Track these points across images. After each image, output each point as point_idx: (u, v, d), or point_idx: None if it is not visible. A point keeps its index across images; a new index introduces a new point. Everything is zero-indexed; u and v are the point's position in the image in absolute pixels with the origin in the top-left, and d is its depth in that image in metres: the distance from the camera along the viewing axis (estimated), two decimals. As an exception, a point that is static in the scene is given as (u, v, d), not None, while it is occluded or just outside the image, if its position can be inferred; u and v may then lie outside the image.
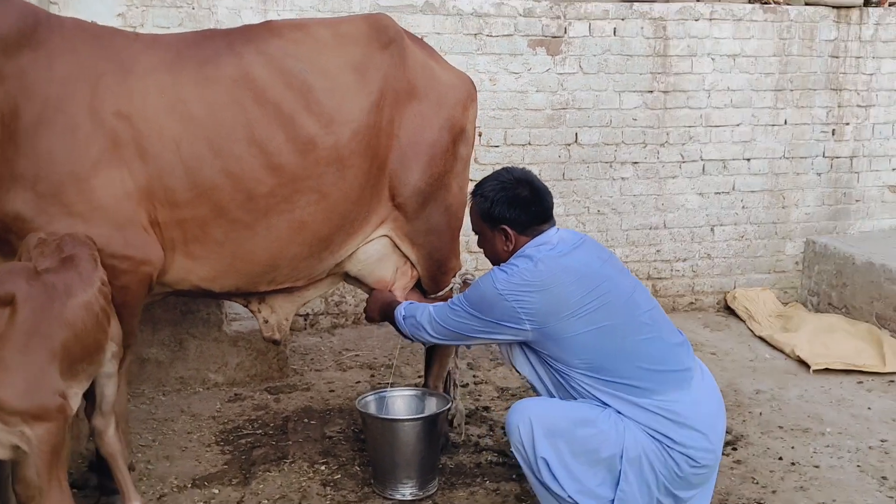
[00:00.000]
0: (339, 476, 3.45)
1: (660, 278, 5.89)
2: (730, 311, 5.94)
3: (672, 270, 5.91)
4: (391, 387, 3.59)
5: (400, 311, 3.02)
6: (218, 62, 2.87)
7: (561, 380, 2.68)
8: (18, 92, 2.62)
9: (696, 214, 5.87)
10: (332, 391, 4.43)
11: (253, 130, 2.90)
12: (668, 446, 2.56)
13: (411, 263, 3.49)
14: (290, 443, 3.76)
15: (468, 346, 3.14)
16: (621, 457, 2.55)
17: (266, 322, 3.46)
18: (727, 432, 3.89)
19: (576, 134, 5.60)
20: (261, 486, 3.36)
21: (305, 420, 4.03)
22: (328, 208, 3.10)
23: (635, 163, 5.72)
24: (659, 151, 5.74)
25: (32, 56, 2.64)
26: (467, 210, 3.00)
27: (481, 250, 2.95)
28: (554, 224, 2.84)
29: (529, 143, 5.53)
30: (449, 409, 3.45)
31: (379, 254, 3.43)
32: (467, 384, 4.48)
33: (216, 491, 3.32)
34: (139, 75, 2.80)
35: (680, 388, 2.62)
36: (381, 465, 3.28)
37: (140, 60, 2.80)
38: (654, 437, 2.57)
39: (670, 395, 2.59)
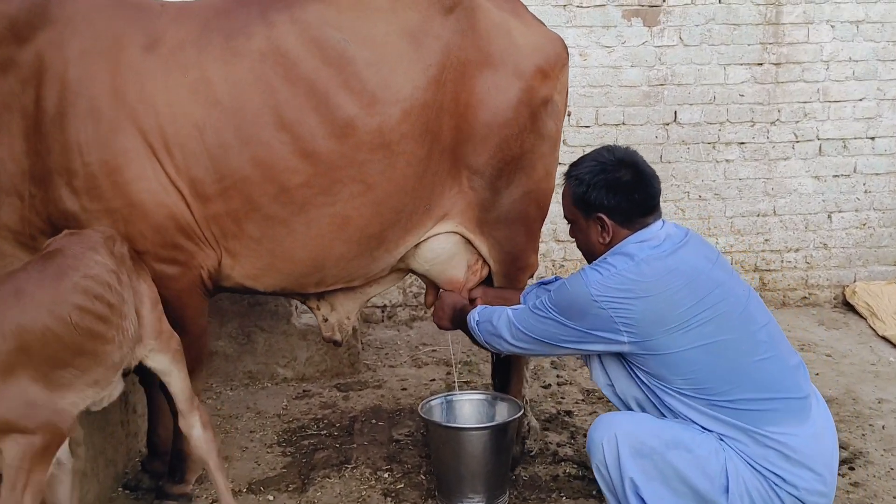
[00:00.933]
0: (402, 485, 3.18)
1: (768, 270, 5.37)
2: (849, 307, 5.37)
3: (783, 262, 5.39)
4: (459, 389, 3.29)
5: (473, 317, 2.70)
6: (248, 33, 2.58)
7: (652, 397, 2.33)
8: (37, 79, 2.43)
9: (810, 200, 5.33)
10: (405, 389, 4.17)
11: (282, 113, 2.59)
12: (776, 485, 2.18)
13: (483, 259, 3.15)
14: (355, 445, 3.53)
15: (554, 356, 2.79)
16: (725, 489, 2.17)
17: (326, 321, 3.20)
18: (842, 448, 3.43)
19: (675, 112, 5.16)
20: (318, 493, 3.13)
21: (373, 421, 3.78)
22: (376, 201, 2.78)
23: (742, 143, 5.23)
24: (769, 130, 5.23)
25: (46, 36, 2.45)
26: (556, 196, 2.64)
27: (573, 240, 2.61)
28: (660, 216, 2.45)
29: (623, 123, 5.11)
30: (521, 416, 3.13)
31: (448, 252, 3.09)
32: (549, 385, 4.14)
33: (271, 498, 3.11)
34: (163, 52, 2.55)
35: (798, 419, 2.24)
36: (445, 476, 2.99)
37: (166, 34, 2.55)
38: (760, 473, 2.20)
39: (787, 426, 2.21)
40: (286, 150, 2.61)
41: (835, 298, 5.47)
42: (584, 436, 3.57)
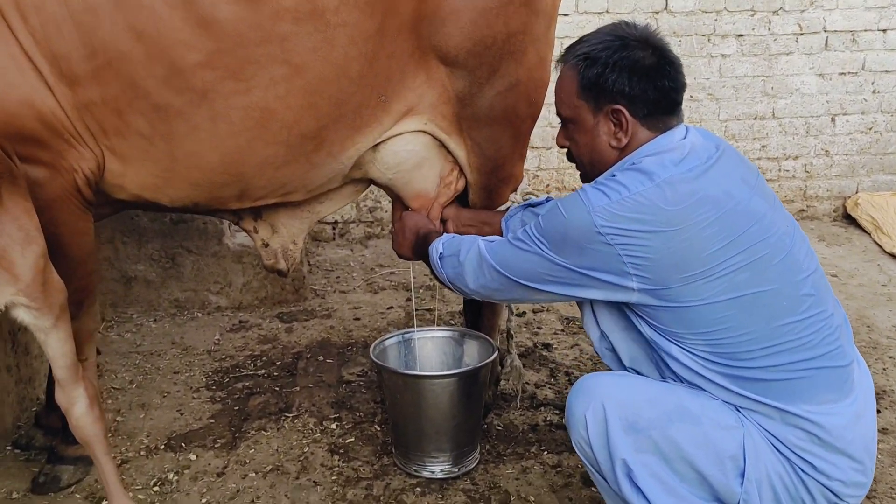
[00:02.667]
0: (353, 439, 2.65)
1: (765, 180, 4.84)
2: (850, 220, 4.91)
3: (780, 170, 4.88)
4: (420, 322, 2.75)
5: (436, 248, 2.10)
6: None
7: (658, 359, 1.79)
8: None
9: (813, 101, 4.79)
10: (358, 319, 3.61)
11: None
12: (805, 472, 1.69)
13: (459, 168, 2.55)
14: (298, 389, 2.99)
15: (534, 303, 2.20)
16: (740, 474, 1.67)
17: (266, 246, 2.60)
18: (864, 386, 2.97)
19: (666, -1, 4.51)
20: (251, 450, 2.60)
21: (320, 358, 3.24)
22: (308, 89, 2.15)
23: (739, 35, 4.65)
24: (770, 21, 4.65)
25: None
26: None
27: (563, 150, 2.01)
28: (682, 121, 1.86)
29: (607, 11, 4.48)
30: (495, 360, 2.60)
31: (415, 156, 2.47)
32: (524, 313, 3.61)
33: (193, 457, 2.57)
34: None
35: (839, 392, 1.73)
36: (404, 432, 2.47)
37: None
38: (785, 457, 1.69)
39: (825, 403, 1.70)
40: (176, 16, 1.96)
41: (835, 211, 5.01)
42: (566, 374, 3.07)
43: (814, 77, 4.75)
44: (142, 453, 2.59)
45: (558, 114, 1.95)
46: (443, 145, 2.47)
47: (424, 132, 2.43)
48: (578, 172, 1.96)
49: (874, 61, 4.77)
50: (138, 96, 1.99)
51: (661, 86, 1.78)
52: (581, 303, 1.92)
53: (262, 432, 2.70)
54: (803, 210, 4.94)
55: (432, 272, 2.18)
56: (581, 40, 1.89)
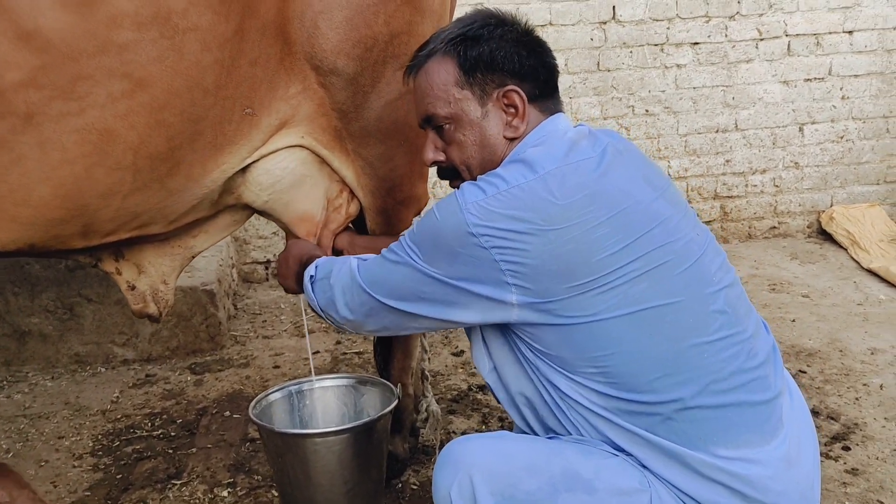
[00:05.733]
0: (243, 509, 2.30)
1: (730, 197, 4.53)
2: (826, 236, 4.59)
3: (747, 186, 4.56)
4: (318, 370, 2.41)
5: (309, 272, 1.79)
6: None
7: (546, 394, 1.49)
8: None
9: (779, 110, 4.49)
10: (277, 367, 3.27)
11: None
12: None
13: (349, 189, 2.23)
14: (194, 451, 2.63)
15: (410, 332, 1.86)
16: None
17: (133, 289, 2.25)
18: (832, 419, 2.64)
19: (613, 7, 4.25)
20: (123, 527, 2.24)
21: (227, 413, 2.89)
22: (155, 105, 1.83)
23: (695, 44, 4.36)
24: (727, 27, 4.37)
25: None
26: None
27: (432, 166, 1.72)
28: (562, 109, 1.60)
29: (550, 24, 4.19)
30: (405, 409, 2.26)
31: (293, 175, 2.15)
32: (462, 352, 3.27)
33: (53, 538, 2.21)
34: None
35: (762, 433, 1.41)
36: (293, 500, 2.12)
37: None
38: None
39: (744, 446, 1.38)
40: None
41: (808, 227, 4.67)
42: (500, 419, 2.73)
43: (777, 85, 4.45)
44: (-3, 536, 2.23)
45: (426, 119, 1.64)
46: (326, 163, 2.16)
47: (302, 146, 2.11)
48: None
49: (841, 65, 4.48)
50: None
51: (549, 63, 1.55)
52: (471, 330, 1.59)
53: (141, 503, 2.35)
54: (775, 227, 4.62)
55: (309, 304, 1.85)
56: (435, 35, 1.61)
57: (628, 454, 1.41)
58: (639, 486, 1.37)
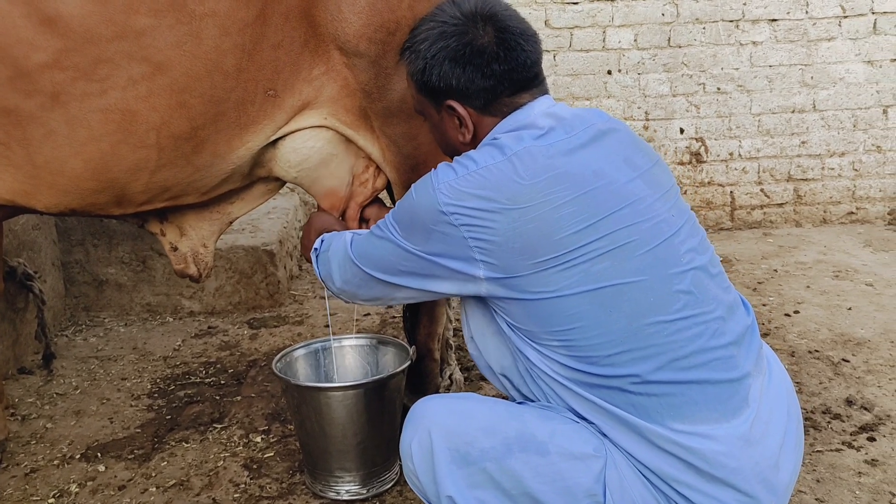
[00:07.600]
0: (272, 454, 2.48)
1: (805, 180, 4.41)
2: (905, 224, 4.38)
3: (824, 169, 4.42)
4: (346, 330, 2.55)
5: (316, 245, 1.92)
6: None
7: (519, 364, 1.58)
8: None
9: (861, 91, 4.32)
10: (328, 326, 3.44)
11: None
12: None
13: (376, 165, 2.34)
14: (239, 399, 2.83)
15: (398, 303, 1.97)
16: None
17: (175, 250, 2.46)
18: (865, 409, 2.59)
19: (687, -18, 4.15)
20: (164, 462, 2.46)
21: (274, 366, 3.08)
22: (175, 87, 1.98)
23: (773, 20, 4.23)
24: (808, 3, 4.22)
25: None
26: None
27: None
28: (544, 93, 1.65)
29: (621, -2, 4.14)
30: (408, 367, 2.36)
31: (319, 154, 2.27)
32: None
33: (102, 468, 2.44)
34: None
35: (723, 411, 1.45)
36: (309, 449, 2.27)
37: None
38: (661, 492, 1.42)
39: (703, 422, 1.43)
40: (15, 13, 1.85)
41: (889, 214, 4.49)
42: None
43: (861, 64, 4.27)
44: (54, 463, 2.49)
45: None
46: (352, 142, 2.27)
47: (326, 127, 2.23)
48: None
49: (933, 45, 4.26)
50: None
51: (492, 71, 1.57)
52: (464, 303, 1.69)
53: (183, 444, 2.56)
54: (852, 213, 4.46)
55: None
56: (414, 28, 1.71)
57: (590, 423, 1.48)
58: (593, 453, 1.43)
